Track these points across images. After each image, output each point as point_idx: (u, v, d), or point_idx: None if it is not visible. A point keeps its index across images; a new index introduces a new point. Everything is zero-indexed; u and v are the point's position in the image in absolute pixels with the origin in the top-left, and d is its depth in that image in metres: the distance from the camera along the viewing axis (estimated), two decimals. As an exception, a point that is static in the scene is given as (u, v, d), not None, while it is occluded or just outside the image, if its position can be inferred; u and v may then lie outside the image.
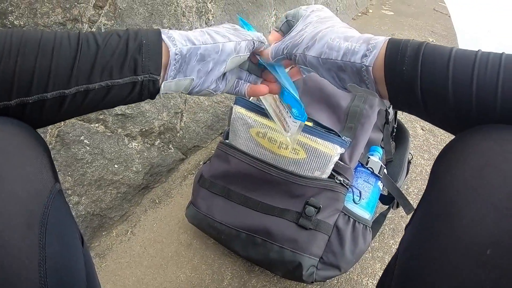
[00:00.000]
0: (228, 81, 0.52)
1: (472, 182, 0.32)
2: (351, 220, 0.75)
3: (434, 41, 1.80)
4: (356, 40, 0.43)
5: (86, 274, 0.40)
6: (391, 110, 0.95)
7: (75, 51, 0.38)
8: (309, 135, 0.75)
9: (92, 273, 0.45)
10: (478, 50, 0.37)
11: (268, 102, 0.65)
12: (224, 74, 0.51)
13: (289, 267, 0.73)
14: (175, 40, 0.43)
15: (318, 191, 0.75)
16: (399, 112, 1.20)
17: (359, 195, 0.78)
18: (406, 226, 0.42)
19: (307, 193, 0.75)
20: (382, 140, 0.96)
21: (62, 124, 0.82)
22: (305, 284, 0.82)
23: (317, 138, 0.75)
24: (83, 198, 0.87)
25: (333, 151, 0.75)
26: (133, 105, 0.93)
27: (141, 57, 0.40)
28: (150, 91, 0.43)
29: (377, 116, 0.88)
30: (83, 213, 0.87)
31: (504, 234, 0.28)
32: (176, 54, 0.42)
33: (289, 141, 0.62)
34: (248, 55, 0.50)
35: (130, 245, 0.92)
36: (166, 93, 0.46)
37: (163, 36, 0.42)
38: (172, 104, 1.01)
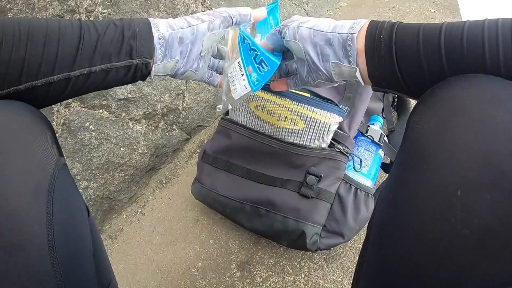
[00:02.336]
0: (205, 59, 0.56)
1: (440, 126, 0.32)
2: (353, 188, 0.75)
3: (436, 11, 1.75)
4: (344, 20, 0.47)
5: (92, 241, 0.42)
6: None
7: (78, 38, 0.41)
8: (307, 105, 0.75)
9: (98, 240, 0.47)
10: (444, 22, 0.39)
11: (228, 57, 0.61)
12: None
13: (293, 236, 0.73)
14: (159, 27, 0.47)
15: (319, 160, 0.75)
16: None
17: (359, 163, 0.78)
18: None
19: (307, 163, 0.75)
20: (383, 110, 0.95)
21: (68, 112, 0.83)
22: (311, 254, 0.83)
23: (315, 108, 0.75)
24: (92, 182, 0.89)
25: (331, 120, 0.74)
26: (135, 89, 0.94)
27: (135, 43, 0.44)
28: (143, 73, 0.47)
29: (376, 85, 0.87)
30: (92, 197, 0.89)
31: (471, 172, 0.28)
32: (160, 39, 0.47)
33: (221, 106, 0.58)
34: (224, 31, 0.54)
35: (140, 225, 0.93)
36: (156, 75, 0.50)
37: (155, 28, 0.47)
38: (173, 86, 1.01)
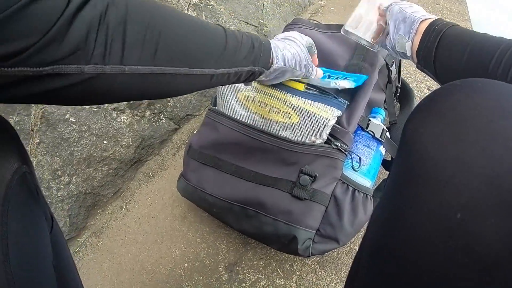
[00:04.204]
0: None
1: (442, 139, 0.28)
2: (350, 188, 0.66)
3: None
4: (424, 12, 0.57)
5: (56, 257, 0.39)
6: (393, 69, 0.83)
7: (224, 42, 0.43)
8: (302, 98, 0.65)
9: (63, 256, 0.43)
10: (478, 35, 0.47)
11: None
12: None
13: (284, 241, 0.64)
14: (278, 57, 0.52)
15: (314, 158, 0.65)
16: (404, 72, 1.08)
17: (358, 161, 0.68)
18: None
19: (301, 161, 0.66)
20: (385, 101, 0.85)
21: (46, 105, 0.74)
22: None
23: (311, 101, 0.65)
24: (73, 177, 0.80)
25: (329, 114, 0.65)
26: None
27: (260, 55, 0.48)
28: (254, 78, 0.52)
29: (378, 75, 0.77)
30: (75, 192, 0.80)
31: (476, 194, 0.25)
32: (275, 69, 0.52)
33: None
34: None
35: (125, 222, 0.85)
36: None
37: (272, 46, 0.52)
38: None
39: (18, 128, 0.70)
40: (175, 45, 0.36)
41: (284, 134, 0.67)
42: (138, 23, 0.33)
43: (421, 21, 0.54)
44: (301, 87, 0.66)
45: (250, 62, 0.47)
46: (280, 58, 0.52)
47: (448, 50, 0.49)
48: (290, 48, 0.55)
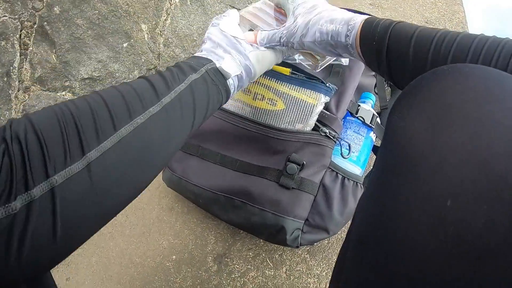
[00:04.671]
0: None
1: (429, 125, 0.27)
2: (340, 176, 0.63)
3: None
4: (339, 22, 0.44)
5: None
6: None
7: (146, 81, 0.39)
8: (287, 83, 0.62)
9: None
10: (440, 29, 0.37)
11: None
12: None
13: (272, 231, 0.62)
14: (230, 71, 0.46)
15: (301, 146, 0.62)
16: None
17: (348, 148, 0.66)
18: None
19: (288, 149, 0.63)
20: (376, 85, 0.82)
21: (27, 97, 0.72)
22: (294, 246, 0.72)
23: (297, 86, 0.61)
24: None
25: (316, 100, 0.61)
26: (100, 66, 0.80)
27: (191, 61, 0.44)
28: (223, 76, 0.46)
29: (368, 58, 0.73)
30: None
31: (466, 180, 0.24)
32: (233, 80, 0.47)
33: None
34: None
35: (111, 214, 0.82)
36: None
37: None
38: (143, 60, 0.87)
39: (-4, 122, 0.67)
40: (100, 122, 0.31)
41: (269, 121, 0.64)
42: (49, 127, 0.28)
43: (355, 44, 0.43)
44: (286, 71, 0.62)
45: (191, 70, 0.42)
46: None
47: (401, 57, 0.38)
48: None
